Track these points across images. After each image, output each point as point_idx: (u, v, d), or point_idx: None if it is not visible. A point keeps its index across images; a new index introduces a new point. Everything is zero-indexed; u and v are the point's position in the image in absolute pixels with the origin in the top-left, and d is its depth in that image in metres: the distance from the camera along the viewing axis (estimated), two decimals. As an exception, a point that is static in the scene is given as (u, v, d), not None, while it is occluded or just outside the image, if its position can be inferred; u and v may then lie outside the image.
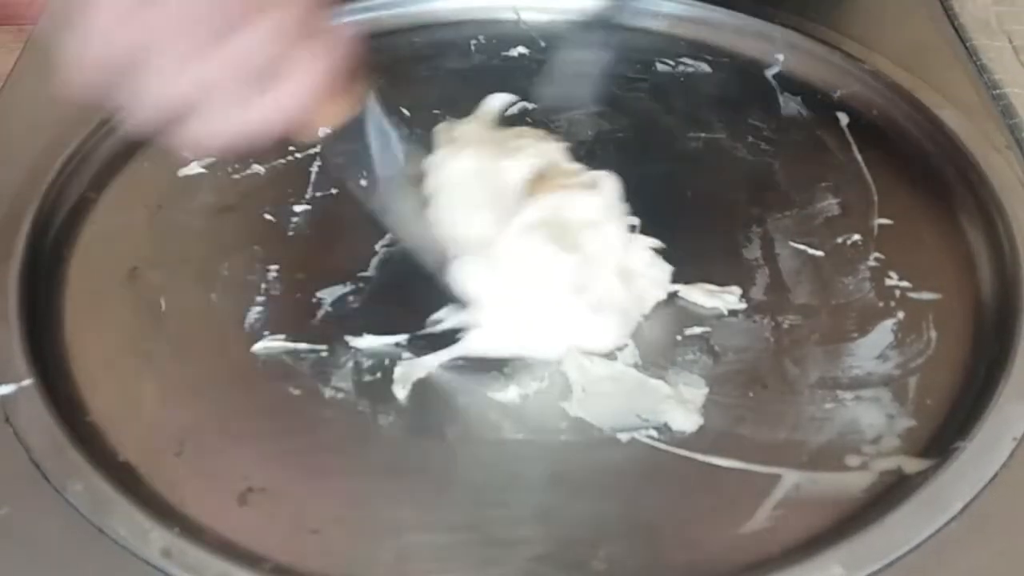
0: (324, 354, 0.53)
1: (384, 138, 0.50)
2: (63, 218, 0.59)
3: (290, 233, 0.60)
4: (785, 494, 0.48)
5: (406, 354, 0.53)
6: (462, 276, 0.53)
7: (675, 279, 0.56)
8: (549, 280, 0.52)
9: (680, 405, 0.51)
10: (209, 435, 0.50)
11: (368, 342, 0.53)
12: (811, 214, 0.60)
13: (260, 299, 0.56)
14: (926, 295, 0.56)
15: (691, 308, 0.55)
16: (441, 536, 0.46)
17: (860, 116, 0.66)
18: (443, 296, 0.55)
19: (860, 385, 0.52)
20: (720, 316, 0.55)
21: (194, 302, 0.56)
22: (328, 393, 0.52)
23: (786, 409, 0.51)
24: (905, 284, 0.56)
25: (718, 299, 0.55)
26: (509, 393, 0.51)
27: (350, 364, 0.53)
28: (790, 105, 0.67)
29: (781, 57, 0.70)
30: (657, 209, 0.57)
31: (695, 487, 0.49)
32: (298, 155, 0.64)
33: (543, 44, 0.71)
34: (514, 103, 0.65)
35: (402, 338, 0.53)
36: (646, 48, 0.72)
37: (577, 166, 0.56)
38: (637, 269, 0.55)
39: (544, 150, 0.56)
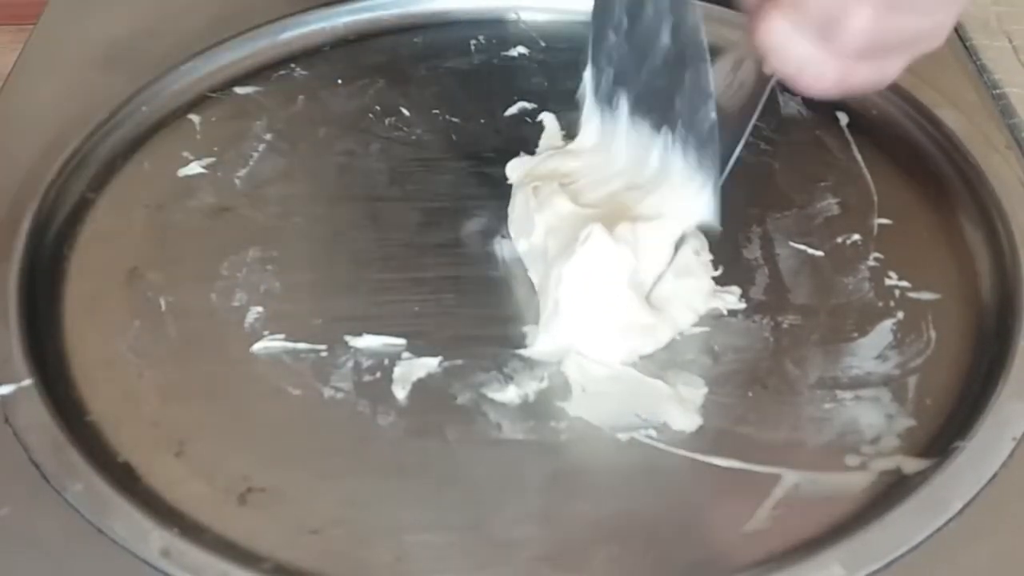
0: (324, 354, 0.53)
1: None
2: (63, 218, 0.59)
3: (290, 233, 0.60)
4: (785, 494, 0.48)
5: (406, 354, 0.53)
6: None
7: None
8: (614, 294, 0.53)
9: (679, 405, 0.51)
10: (209, 435, 0.50)
11: (368, 342, 0.53)
12: (811, 214, 0.60)
13: (260, 299, 0.56)
14: (925, 295, 0.56)
15: (691, 308, 0.55)
16: (441, 536, 0.46)
17: (860, 116, 0.66)
18: (443, 296, 0.55)
19: (860, 385, 0.52)
20: (719, 316, 0.55)
21: (194, 302, 0.56)
22: (328, 393, 0.52)
23: (786, 409, 0.51)
24: (904, 284, 0.56)
25: (717, 299, 0.55)
26: (509, 393, 0.51)
27: (350, 364, 0.53)
28: (790, 105, 0.67)
29: (781, 57, 0.70)
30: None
31: (695, 487, 0.49)
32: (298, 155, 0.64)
33: (543, 44, 0.71)
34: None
35: (401, 339, 0.53)
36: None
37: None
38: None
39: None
